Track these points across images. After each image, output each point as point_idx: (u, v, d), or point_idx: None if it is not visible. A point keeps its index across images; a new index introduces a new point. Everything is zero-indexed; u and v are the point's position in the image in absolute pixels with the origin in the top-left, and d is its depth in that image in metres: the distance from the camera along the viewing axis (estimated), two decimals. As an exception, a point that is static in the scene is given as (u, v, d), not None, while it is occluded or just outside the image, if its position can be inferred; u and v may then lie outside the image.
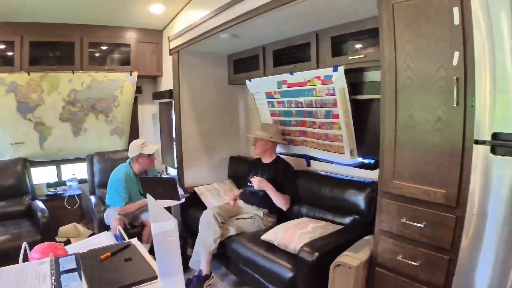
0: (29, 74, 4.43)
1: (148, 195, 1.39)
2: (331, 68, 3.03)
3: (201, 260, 3.42)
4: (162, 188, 3.79)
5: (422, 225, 2.03)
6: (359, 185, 3.13)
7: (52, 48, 4.73)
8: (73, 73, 4.64)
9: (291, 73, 3.49)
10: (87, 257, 1.73)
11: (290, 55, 3.71)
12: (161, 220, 1.25)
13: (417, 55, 1.99)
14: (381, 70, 2.21)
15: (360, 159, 3.34)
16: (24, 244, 2.01)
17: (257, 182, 3.59)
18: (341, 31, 3.08)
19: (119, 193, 3.84)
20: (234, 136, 4.98)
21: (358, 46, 3.04)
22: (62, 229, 4.62)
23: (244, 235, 3.40)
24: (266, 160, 3.86)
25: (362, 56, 2.89)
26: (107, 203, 4.05)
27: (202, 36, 3.78)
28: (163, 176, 4.13)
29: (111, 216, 3.82)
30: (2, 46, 4.49)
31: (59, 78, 4.59)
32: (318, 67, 3.30)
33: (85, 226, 4.80)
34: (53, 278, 1.55)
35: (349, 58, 3.00)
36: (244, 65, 4.51)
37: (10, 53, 4.46)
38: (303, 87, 3.45)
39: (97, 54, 4.99)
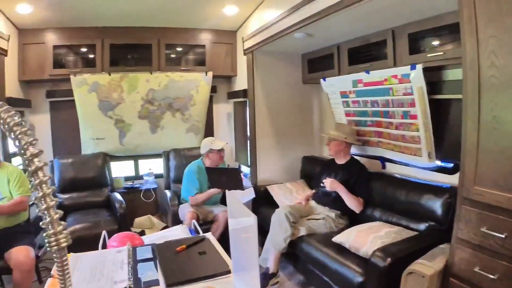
0: (110, 75, 4.76)
1: (227, 192, 1.42)
2: (409, 66, 2.94)
3: (269, 257, 3.45)
4: (226, 177, 3.96)
5: (503, 236, 1.89)
6: (436, 190, 2.98)
7: (131, 50, 5.06)
8: (151, 74, 4.90)
9: (367, 72, 3.42)
10: (163, 248, 1.82)
11: (365, 53, 3.63)
12: (240, 216, 1.27)
13: (502, 51, 1.84)
14: (462, 68, 2.07)
15: (438, 163, 3.20)
16: (104, 233, 2.16)
17: (329, 183, 3.55)
18: (419, 27, 2.96)
19: (190, 184, 4.12)
20: (308, 136, 4.97)
21: (437, 42, 2.91)
22: (137, 220, 4.92)
23: (315, 236, 3.39)
24: (340, 161, 3.81)
25: (442, 53, 2.75)
26: (182, 197, 4.30)
27: (276, 36, 3.82)
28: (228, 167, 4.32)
29: (185, 209, 4.03)
30: (85, 49, 4.87)
31: (138, 78, 4.86)
32: (395, 65, 3.19)
33: (159, 219, 5.05)
34: (130, 266, 1.64)
35: (428, 55, 2.88)
36: (318, 64, 4.48)
37: (92, 56, 4.83)
38: (379, 86, 3.37)
39: (173, 55, 5.22)
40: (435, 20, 2.80)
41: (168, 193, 4.76)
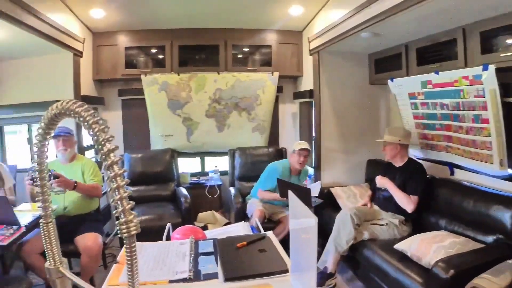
0: (178, 75, 5.01)
1: (290, 192, 1.44)
2: (481, 67, 2.78)
3: (329, 257, 3.45)
4: (297, 194, 3.89)
5: None
6: (507, 201, 2.81)
7: (199, 51, 5.26)
8: (218, 74, 5.07)
9: (436, 72, 3.28)
10: (224, 243, 1.87)
11: (434, 53, 3.48)
12: (301, 217, 1.30)
13: None
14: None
15: (511, 171, 3.04)
16: (168, 225, 2.28)
17: (378, 180, 3.62)
18: (492, 25, 2.78)
19: (267, 180, 4.23)
20: (374, 139, 4.84)
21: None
22: (201, 215, 5.11)
23: (377, 242, 3.35)
24: (398, 163, 3.73)
25: (516, 53, 2.59)
26: (251, 194, 4.44)
27: (342, 36, 3.78)
28: (300, 184, 4.29)
29: (254, 206, 4.12)
30: (155, 50, 5.15)
31: (206, 78, 5.06)
32: (466, 65, 3.03)
33: (222, 215, 5.19)
34: (191, 258, 1.72)
35: (501, 55, 2.71)
36: (385, 64, 4.37)
37: (162, 56, 5.10)
38: (449, 87, 3.22)
39: (240, 56, 5.34)
40: (510, 18, 2.63)
41: (232, 190, 4.90)
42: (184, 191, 4.72)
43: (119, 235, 0.69)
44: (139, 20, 4.73)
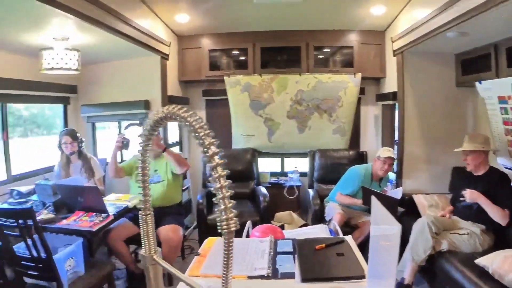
0: (261, 76, 5.18)
1: (373, 197, 1.41)
2: None
3: (406, 267, 3.36)
4: (382, 202, 3.82)
5: None
6: None
7: (281, 53, 5.39)
8: (300, 75, 5.17)
9: (528, 75, 3.14)
10: (303, 244, 1.90)
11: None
12: (383, 224, 1.27)
13: None
14: None
15: None
16: (249, 223, 2.40)
17: (469, 194, 3.35)
18: None
19: (348, 183, 4.22)
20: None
21: None
22: (278, 214, 5.21)
23: (456, 254, 3.20)
24: (478, 172, 3.54)
25: None
26: (330, 197, 4.44)
27: (427, 36, 3.69)
28: (387, 192, 4.20)
29: (334, 210, 4.13)
30: (238, 52, 5.37)
31: (288, 79, 5.17)
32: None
33: (299, 216, 5.24)
34: (270, 256, 1.78)
35: None
36: (473, 65, 4.17)
37: (244, 58, 5.29)
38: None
39: (321, 57, 5.37)
40: None
41: (311, 191, 4.94)
42: (263, 190, 4.88)
43: (219, 231, 0.74)
44: (222, 23, 4.97)
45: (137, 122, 3.98)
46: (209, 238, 2.05)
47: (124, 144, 3.79)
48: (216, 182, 0.74)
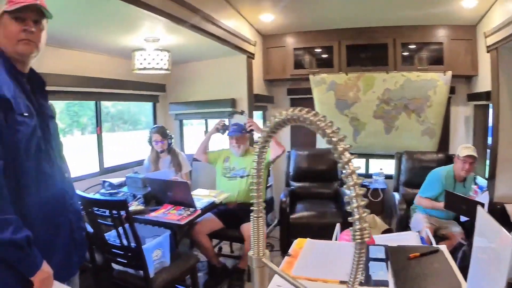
0: (346, 75, 5.11)
1: (478, 207, 1.32)
2: None
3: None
4: (465, 207, 3.63)
5: None
6: None
7: (366, 50, 5.27)
8: (387, 73, 5.02)
9: None
10: (396, 252, 1.84)
11: None
12: (489, 236, 1.16)
13: None
14: None
15: None
16: (338, 226, 2.41)
17: None
18: None
19: (429, 186, 4.04)
20: None
21: None
22: None
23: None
24: None
25: None
26: (415, 204, 4.23)
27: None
28: (471, 196, 3.97)
29: (420, 223, 3.86)
30: (323, 51, 5.35)
31: (374, 78, 5.06)
32: None
33: (382, 220, 5.07)
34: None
35: None
36: None
37: (329, 56, 5.25)
38: None
39: (409, 54, 5.17)
40: None
41: (396, 195, 4.76)
42: (347, 191, 4.74)
43: (354, 240, 0.74)
44: (306, 22, 4.98)
45: (241, 111, 4.16)
46: (299, 238, 2.06)
47: (222, 128, 4.09)
48: (351, 190, 0.74)
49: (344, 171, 0.74)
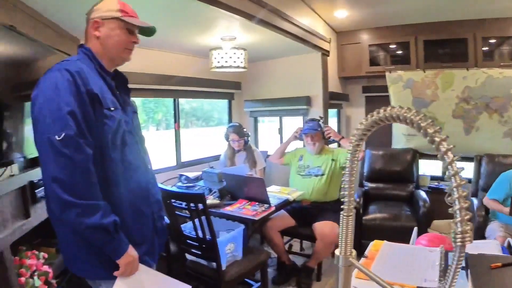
0: (424, 71, 4.91)
1: None
2: None
3: None
4: None
5: None
6: None
7: (445, 46, 5.06)
8: (467, 70, 4.76)
9: None
10: (477, 260, 1.76)
11: None
12: None
13: None
14: None
15: None
16: (415, 229, 2.37)
17: None
18: None
19: (496, 187, 3.84)
20: None
21: None
22: (436, 222, 4.92)
23: None
24: None
25: None
26: (491, 212, 4.02)
27: None
28: None
29: (495, 231, 3.69)
30: (399, 47, 5.22)
31: (453, 75, 4.82)
32: None
33: None
34: (441, 268, 1.68)
35: None
36: None
37: (406, 52, 5.11)
38: None
39: (490, 49, 4.92)
40: None
41: (474, 201, 4.49)
42: (423, 194, 4.61)
43: (455, 243, 0.72)
44: (381, 17, 4.88)
45: (318, 118, 4.18)
46: (375, 240, 2.04)
47: (300, 136, 4.14)
48: (453, 192, 0.73)
49: (447, 172, 0.74)
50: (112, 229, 1.53)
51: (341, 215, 0.98)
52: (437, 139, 0.74)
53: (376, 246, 1.97)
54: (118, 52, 1.76)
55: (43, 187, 1.86)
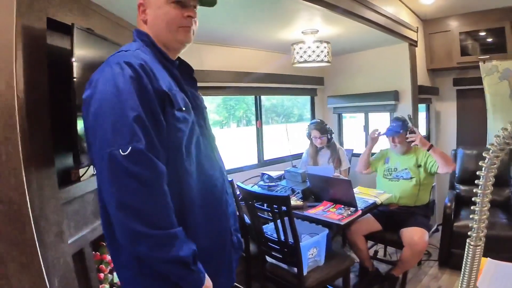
0: (525, 60, 4.38)
1: None
2: None
3: None
4: None
5: None
6: None
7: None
8: None
9: None
10: None
11: None
12: None
13: None
14: None
15: None
16: None
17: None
18: None
19: None
20: None
21: None
22: None
23: None
24: None
25: None
26: None
27: None
28: None
29: None
30: (493, 33, 4.69)
31: None
32: None
33: None
34: None
35: None
36: None
37: (501, 39, 4.58)
38: None
39: None
40: None
41: None
42: None
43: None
44: (471, 0, 4.41)
45: (406, 117, 3.92)
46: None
47: (378, 137, 3.90)
48: None
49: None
50: (191, 261, 1.28)
51: (467, 244, 0.85)
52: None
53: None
54: (171, 33, 1.43)
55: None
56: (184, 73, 1.55)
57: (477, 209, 0.85)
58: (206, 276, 1.35)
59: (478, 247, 0.83)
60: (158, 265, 1.27)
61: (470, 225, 0.81)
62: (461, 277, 0.85)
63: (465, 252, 0.83)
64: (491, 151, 0.79)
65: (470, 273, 0.83)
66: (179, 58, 1.57)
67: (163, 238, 1.22)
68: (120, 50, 1.36)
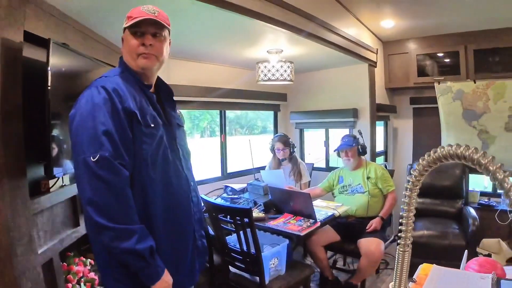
0: (474, 82, 4.66)
1: None
2: None
3: None
4: None
5: None
6: None
7: (497, 55, 4.74)
8: (520, 81, 4.51)
9: None
10: None
11: None
12: None
13: None
14: None
15: None
16: (466, 253, 2.24)
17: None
18: None
19: None
20: None
21: None
22: (485, 241, 4.57)
23: None
24: None
25: None
26: None
27: None
28: None
29: None
30: (448, 56, 4.96)
31: (506, 86, 4.55)
32: None
33: (509, 246, 4.55)
34: None
35: None
36: None
37: (455, 62, 4.86)
38: None
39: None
40: None
41: None
42: (472, 211, 4.33)
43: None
44: (429, 25, 4.67)
45: (353, 134, 4.08)
46: (425, 264, 1.96)
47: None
48: None
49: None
50: (147, 255, 1.47)
51: (397, 250, 0.96)
52: (499, 176, 0.71)
53: (425, 270, 1.86)
54: (134, 61, 1.62)
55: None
56: (163, 93, 1.81)
57: (403, 221, 0.95)
58: (166, 271, 1.55)
59: (406, 252, 0.95)
60: (119, 256, 1.47)
61: (399, 234, 0.92)
62: (394, 277, 0.97)
63: (396, 256, 0.96)
64: (413, 175, 0.91)
65: (401, 273, 0.96)
66: (161, 82, 1.80)
67: (122, 232, 1.43)
68: (102, 76, 1.62)
